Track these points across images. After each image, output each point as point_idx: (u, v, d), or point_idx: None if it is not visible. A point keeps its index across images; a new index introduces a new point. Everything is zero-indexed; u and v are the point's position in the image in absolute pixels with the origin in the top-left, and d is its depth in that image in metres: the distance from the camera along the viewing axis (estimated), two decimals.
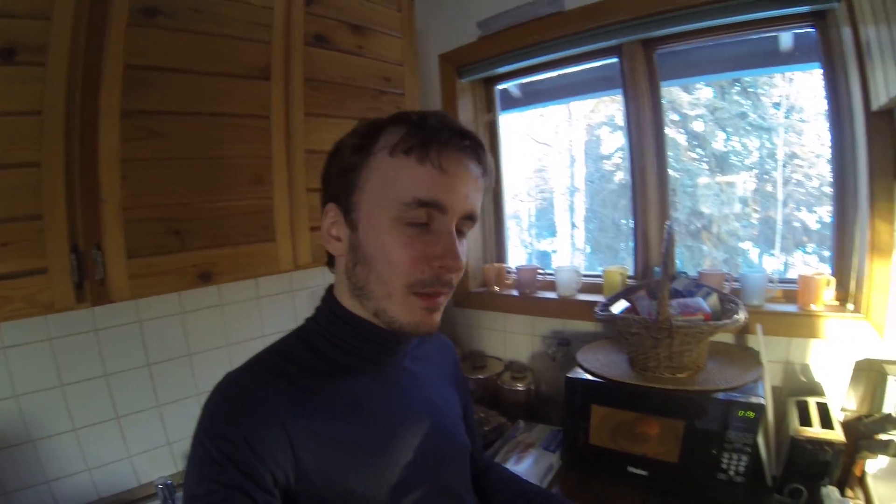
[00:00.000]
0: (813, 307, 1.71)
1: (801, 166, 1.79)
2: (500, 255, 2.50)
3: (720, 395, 1.48)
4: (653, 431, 1.58)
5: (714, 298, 1.66)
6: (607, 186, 2.15)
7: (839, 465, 1.42)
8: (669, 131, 1.86)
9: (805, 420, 1.51)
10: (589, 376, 1.65)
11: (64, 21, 1.10)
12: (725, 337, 1.84)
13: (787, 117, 1.72)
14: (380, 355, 0.97)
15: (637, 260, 2.06)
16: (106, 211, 1.18)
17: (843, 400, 1.69)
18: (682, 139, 1.93)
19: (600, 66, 2.09)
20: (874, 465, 1.53)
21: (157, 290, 1.28)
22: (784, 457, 1.50)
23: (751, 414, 1.43)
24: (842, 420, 1.61)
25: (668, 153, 1.90)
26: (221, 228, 1.36)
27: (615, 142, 2.16)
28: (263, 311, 1.93)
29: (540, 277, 2.25)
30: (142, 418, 1.65)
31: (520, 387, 2.13)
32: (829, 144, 1.74)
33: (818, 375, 1.73)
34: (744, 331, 1.79)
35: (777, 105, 1.71)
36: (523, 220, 2.35)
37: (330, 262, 1.00)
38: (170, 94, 1.28)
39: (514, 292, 2.27)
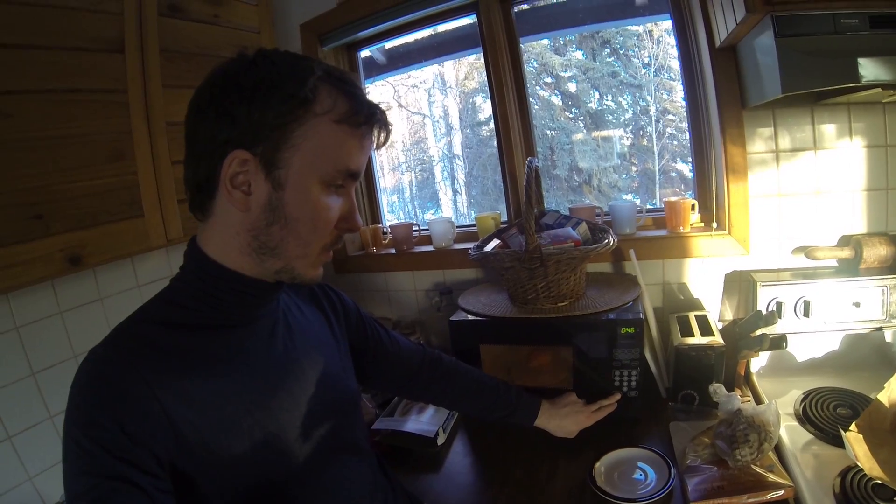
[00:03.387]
0: (681, 230, 1.69)
1: (672, 121, 1.78)
2: (376, 216, 2.37)
3: (602, 317, 1.41)
4: (545, 363, 1.50)
5: (584, 227, 1.59)
6: (486, 151, 2.08)
7: (723, 366, 1.39)
8: (543, 93, 1.79)
9: (687, 332, 1.48)
10: (472, 317, 1.55)
11: None
12: (603, 266, 1.80)
13: (656, 76, 1.70)
14: (254, 307, 0.86)
15: (508, 204, 1.99)
16: None
17: (719, 311, 1.67)
18: (556, 100, 1.87)
19: (463, 24, 2.03)
20: (756, 364, 1.53)
21: (26, 279, 1.15)
22: (672, 368, 1.45)
23: (632, 329, 1.38)
24: (720, 328, 1.58)
25: (544, 114, 1.84)
26: (86, 209, 1.24)
27: (490, 108, 2.07)
28: (146, 298, 1.69)
29: (415, 233, 2.14)
30: (36, 434, 1.40)
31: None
32: (682, 82, 1.75)
33: (695, 292, 1.71)
34: (619, 258, 1.75)
35: (646, 65, 1.70)
36: (406, 192, 2.20)
37: (199, 211, 0.82)
38: (16, 72, 1.14)
39: (392, 251, 2.14)
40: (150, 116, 1.38)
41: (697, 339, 1.41)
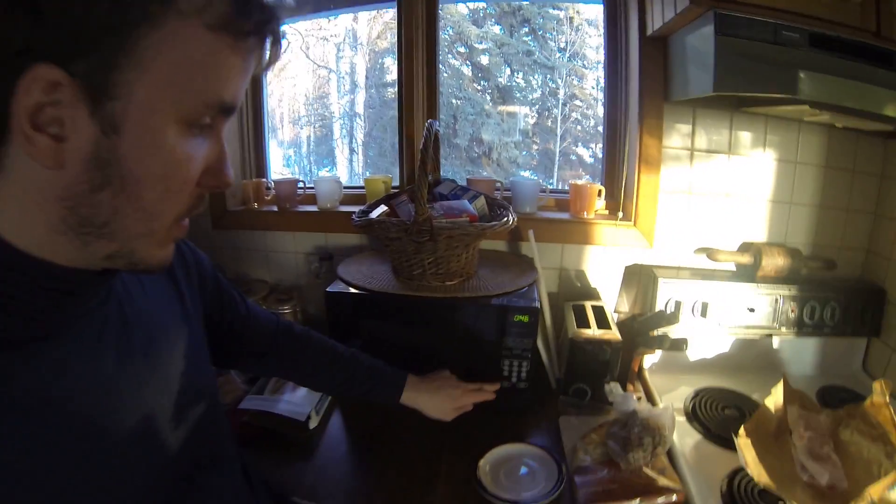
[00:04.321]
0: (585, 215, 1.58)
1: (579, 107, 1.72)
2: (261, 170, 2.11)
3: (493, 302, 1.27)
4: (428, 345, 1.36)
5: (481, 202, 1.44)
6: (388, 113, 1.94)
7: (618, 362, 1.29)
8: (455, 62, 1.68)
9: (583, 322, 1.36)
10: (352, 290, 1.36)
11: None
12: (499, 245, 1.66)
13: (570, 61, 1.63)
14: (70, 309, 0.55)
15: (402, 169, 1.80)
16: None
17: (616, 302, 1.58)
18: (467, 71, 1.74)
19: None
20: (649, 360, 1.46)
21: None
22: (565, 359, 1.34)
23: (526, 318, 1.24)
24: (617, 321, 1.49)
25: (452, 82, 1.69)
26: None
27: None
28: None
29: (301, 191, 1.93)
30: None
31: (285, 309, 1.80)
32: (604, 65, 1.65)
33: (593, 281, 1.61)
34: (516, 237, 1.61)
35: (562, 50, 1.61)
36: (303, 147, 2.03)
37: None
38: None
39: (274, 208, 1.92)
40: None
41: (594, 332, 1.30)
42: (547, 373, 1.40)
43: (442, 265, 1.30)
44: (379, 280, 1.38)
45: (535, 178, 1.67)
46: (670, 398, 1.35)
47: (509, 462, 1.14)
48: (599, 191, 1.58)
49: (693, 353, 1.49)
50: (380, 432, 1.28)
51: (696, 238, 1.55)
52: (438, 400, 1.18)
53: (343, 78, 2.07)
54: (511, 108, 1.78)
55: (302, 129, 2.11)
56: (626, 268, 1.58)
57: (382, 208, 1.47)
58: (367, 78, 1.90)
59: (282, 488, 1.06)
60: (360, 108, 2.03)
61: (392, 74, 1.92)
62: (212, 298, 0.93)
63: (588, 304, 1.46)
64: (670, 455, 1.13)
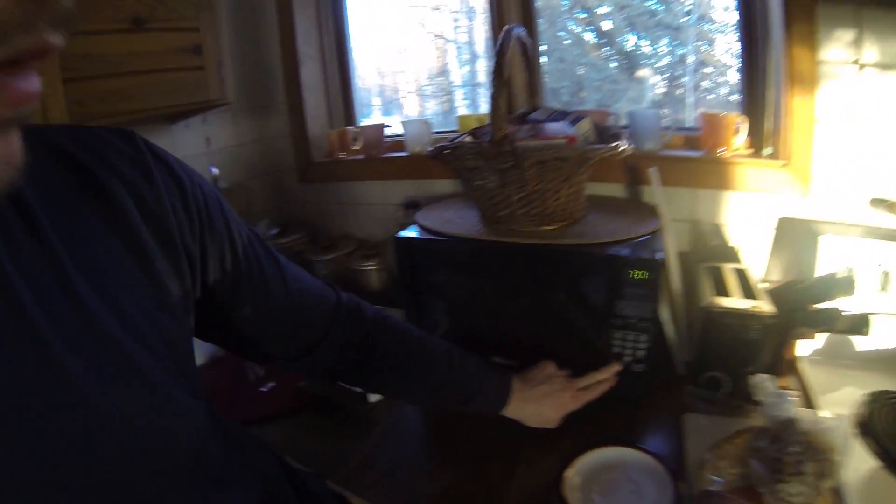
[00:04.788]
0: (721, 152, 1.20)
1: (709, 74, 1.45)
2: (350, 119, 1.94)
3: (604, 251, 0.95)
4: (517, 311, 1.06)
5: (586, 125, 1.10)
6: None
7: (768, 345, 0.94)
8: (576, 28, 1.56)
9: (721, 290, 1.01)
10: (424, 236, 1.11)
11: None
12: (613, 189, 1.31)
13: (697, 24, 1.36)
14: None
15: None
16: None
17: (765, 267, 1.20)
18: (589, 37, 1.54)
19: None
20: (808, 347, 1.07)
21: None
22: (697, 337, 1.00)
23: (645, 274, 0.90)
24: (767, 290, 1.12)
25: (575, 49, 1.59)
26: None
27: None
28: None
29: (389, 138, 1.74)
30: None
31: (371, 266, 1.63)
32: None
33: (734, 238, 1.23)
34: (635, 180, 1.27)
35: (688, 13, 1.35)
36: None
37: None
38: None
39: (361, 157, 1.75)
40: None
41: (736, 302, 0.95)
42: (672, 352, 1.06)
43: (535, 203, 0.99)
44: (460, 225, 1.09)
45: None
46: (835, 402, 0.96)
47: (607, 473, 0.84)
48: (738, 122, 1.19)
49: (865, 341, 1.06)
50: (446, 417, 1.03)
51: (868, 184, 1.12)
52: (545, 409, 0.91)
53: (461, 48, 1.94)
54: (639, 73, 1.51)
55: (427, 102, 2.01)
56: (779, 221, 1.18)
57: (465, 138, 1.17)
58: (485, 48, 1.74)
59: (320, 469, 0.88)
60: (481, 78, 1.91)
61: None
62: (217, 254, 0.60)
63: (727, 267, 1.10)
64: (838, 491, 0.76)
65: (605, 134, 1.11)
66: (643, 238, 0.98)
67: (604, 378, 0.94)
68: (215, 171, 1.65)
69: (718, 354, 0.95)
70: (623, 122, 1.37)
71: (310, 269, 1.65)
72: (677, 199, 1.22)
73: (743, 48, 1.26)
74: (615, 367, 0.95)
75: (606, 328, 0.96)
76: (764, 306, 0.93)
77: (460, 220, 1.13)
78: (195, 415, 0.50)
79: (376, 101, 2.12)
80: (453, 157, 1.02)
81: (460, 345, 0.91)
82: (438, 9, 1.90)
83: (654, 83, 1.66)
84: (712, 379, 0.95)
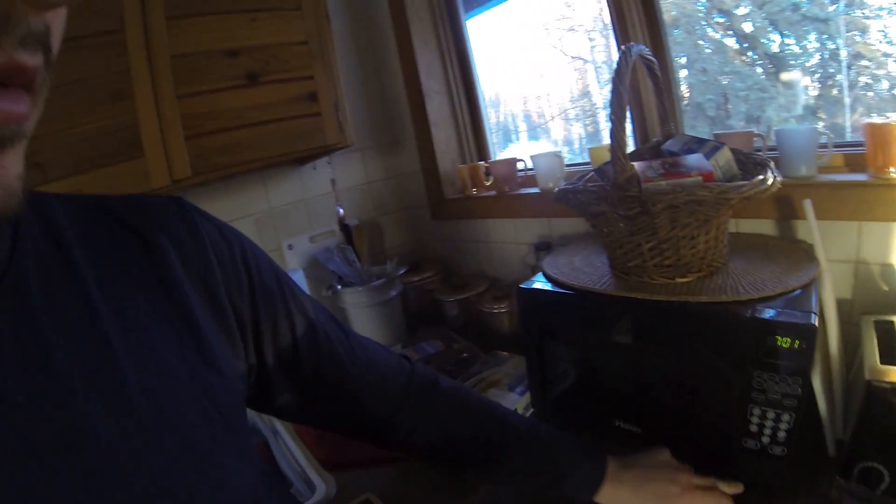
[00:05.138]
0: (893, 172, 0.98)
1: (867, 67, 1.25)
2: (483, 153, 1.88)
3: (743, 312, 0.80)
4: (652, 369, 0.94)
5: (725, 155, 0.94)
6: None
7: None
8: (715, 34, 1.44)
9: (891, 352, 0.82)
10: (545, 287, 1.03)
11: None
12: (762, 226, 1.12)
13: (845, 12, 1.25)
14: None
15: (636, 136, 1.38)
16: None
17: None
18: (730, 42, 1.46)
19: None
20: None
21: None
22: (855, 415, 0.82)
23: (794, 343, 0.75)
24: None
25: (716, 58, 1.45)
26: (83, 153, 1.17)
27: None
28: None
29: (522, 173, 1.64)
30: None
31: (502, 309, 1.55)
32: None
33: None
34: (787, 214, 1.08)
35: (835, 1, 1.16)
36: (574, 144, 1.85)
37: None
38: None
39: (494, 193, 1.68)
40: (152, 51, 1.21)
41: None
42: (823, 428, 0.89)
43: (668, 253, 0.87)
44: (588, 275, 1.00)
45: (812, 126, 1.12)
46: None
47: None
48: None
49: None
50: None
51: None
52: (642, 498, 0.77)
53: (599, 68, 1.85)
54: (787, 76, 1.33)
55: (571, 125, 1.93)
56: None
57: (594, 178, 1.08)
58: None
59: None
60: None
61: None
62: (270, 317, 0.59)
63: None
64: None
65: (749, 163, 0.96)
66: (795, 293, 0.82)
67: (727, 491, 0.80)
68: (341, 211, 1.70)
69: (880, 441, 0.77)
70: (771, 141, 1.19)
71: (440, 308, 1.65)
72: (837, 235, 1.03)
73: None
74: (737, 489, 0.81)
75: (740, 403, 0.82)
76: None
77: (589, 270, 1.03)
78: (243, 481, 0.47)
79: (522, 126, 2.05)
80: (574, 200, 0.92)
81: (583, 402, 0.89)
82: (573, 29, 1.80)
83: (805, 86, 1.48)
84: (868, 471, 0.78)
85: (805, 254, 0.95)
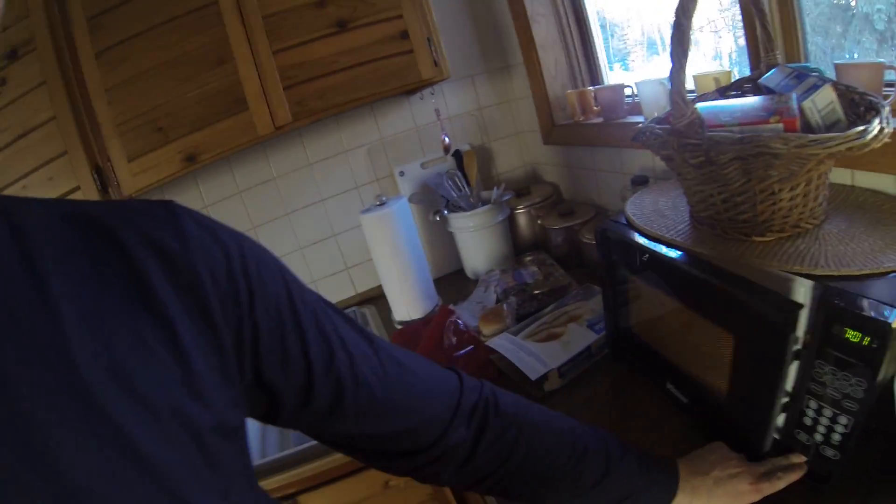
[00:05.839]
0: None
1: None
2: (595, 78, 1.75)
3: (815, 290, 0.66)
4: (703, 337, 0.84)
5: (827, 96, 0.74)
6: (815, 9, 1.30)
7: None
8: None
9: None
10: (621, 227, 0.97)
11: (36, 17, 1.26)
12: (886, 183, 0.89)
13: None
14: None
15: (751, 59, 1.14)
16: (105, 132, 1.35)
17: None
18: None
19: None
20: None
21: (155, 179, 1.40)
22: None
23: (865, 339, 0.61)
24: None
25: None
26: (197, 114, 1.38)
27: None
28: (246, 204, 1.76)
29: (630, 99, 1.51)
30: None
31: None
32: None
33: None
34: None
35: None
36: (723, 59, 1.55)
37: None
38: (123, 23, 1.32)
39: (600, 120, 1.57)
40: (245, 16, 1.35)
41: None
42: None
43: (744, 207, 0.75)
44: (664, 220, 0.92)
45: None
46: None
47: None
48: None
49: None
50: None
51: None
52: (717, 502, 0.72)
53: None
54: None
55: (720, 38, 1.64)
56: None
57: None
58: None
59: None
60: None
61: None
62: (275, 329, 0.50)
63: None
64: None
65: (864, 105, 0.76)
66: (889, 275, 0.66)
67: (789, 466, 0.71)
68: (447, 139, 1.70)
69: None
70: None
71: (546, 235, 1.64)
72: None
73: None
74: (800, 461, 0.71)
75: (795, 395, 0.69)
76: None
77: (670, 214, 0.93)
78: None
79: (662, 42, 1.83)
80: (650, 144, 0.81)
81: (645, 354, 0.87)
82: None
83: None
84: None
85: None
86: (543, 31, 1.66)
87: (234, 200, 1.68)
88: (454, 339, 1.26)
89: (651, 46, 1.67)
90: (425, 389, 0.60)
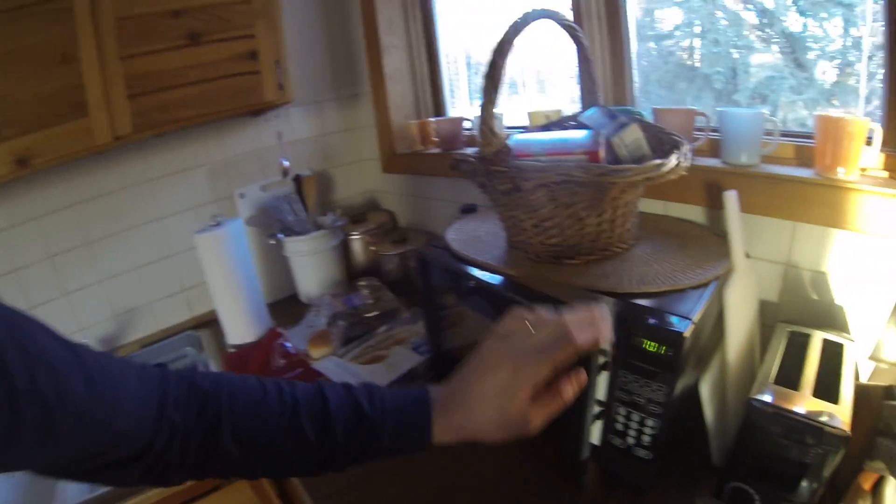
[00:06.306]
0: (839, 174, 0.86)
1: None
2: (439, 109, 1.82)
3: (612, 306, 0.72)
4: None
5: (634, 135, 0.83)
6: (664, 67, 1.54)
7: (827, 471, 0.65)
8: (735, 6, 1.34)
9: (790, 373, 0.73)
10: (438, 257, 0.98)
11: None
12: (694, 213, 1.02)
13: (875, 1, 1.11)
14: None
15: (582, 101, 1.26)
16: None
17: (875, 346, 0.85)
18: (749, 16, 1.33)
19: None
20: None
21: None
22: (736, 432, 0.73)
23: (662, 349, 0.67)
24: (863, 382, 0.80)
25: (731, 31, 1.34)
26: (33, 114, 1.24)
27: (674, 18, 1.50)
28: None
29: (468, 132, 1.59)
30: None
31: None
32: None
33: (840, 295, 0.90)
34: (717, 203, 0.96)
35: None
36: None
37: None
38: None
39: (438, 151, 1.64)
40: (98, 14, 1.24)
41: (800, 401, 0.67)
42: (709, 436, 0.81)
43: (552, 232, 0.78)
44: (481, 245, 0.95)
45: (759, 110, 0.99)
46: None
47: None
48: (870, 132, 0.84)
49: None
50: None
51: None
52: (493, 409, 0.56)
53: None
54: (803, 58, 1.22)
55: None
56: None
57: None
58: (638, 33, 1.48)
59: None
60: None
61: (665, 24, 1.53)
62: None
63: (818, 337, 0.81)
64: None
65: (668, 144, 0.85)
66: (685, 295, 0.73)
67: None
68: (286, 163, 1.67)
69: (753, 463, 0.69)
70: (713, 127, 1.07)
71: (379, 262, 1.65)
72: (770, 233, 0.92)
73: (887, 40, 0.90)
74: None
75: (610, 400, 0.74)
76: (838, 419, 0.64)
77: (489, 240, 0.97)
78: None
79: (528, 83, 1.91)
80: (465, 171, 0.84)
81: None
82: None
83: (823, 71, 1.36)
84: (738, 492, 0.70)
85: (721, 251, 0.85)
86: (394, 61, 1.70)
87: (68, 213, 1.52)
88: (282, 362, 1.27)
89: (512, 86, 1.76)
90: (131, 385, 0.52)
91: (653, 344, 0.66)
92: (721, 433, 0.80)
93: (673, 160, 0.72)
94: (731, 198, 0.82)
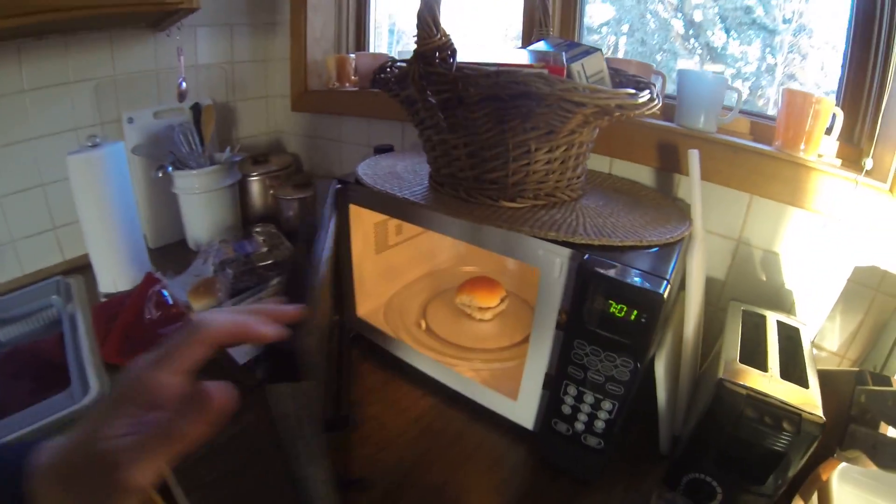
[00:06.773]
0: (800, 152, 0.81)
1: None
2: (361, 46, 1.67)
3: (573, 258, 0.60)
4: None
5: (598, 61, 0.72)
6: None
7: (795, 460, 0.58)
8: (665, 14, 1.38)
9: (754, 353, 0.65)
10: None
11: None
12: (641, 174, 0.93)
13: (794, 35, 1.19)
14: None
15: (523, 38, 1.19)
16: None
17: (821, 329, 0.83)
18: (677, 24, 1.37)
19: None
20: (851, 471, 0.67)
21: None
22: (697, 414, 0.64)
23: (633, 314, 0.55)
24: (827, 368, 0.74)
25: (659, 36, 1.37)
26: None
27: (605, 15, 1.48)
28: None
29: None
30: None
31: None
32: None
33: (791, 277, 0.84)
34: (671, 164, 0.89)
35: (788, 20, 1.19)
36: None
37: None
38: None
39: (354, 89, 1.50)
40: None
41: (775, 383, 0.59)
42: (659, 421, 0.71)
43: (495, 164, 0.65)
44: (398, 181, 0.80)
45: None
46: None
47: None
48: (833, 113, 0.80)
49: None
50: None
51: None
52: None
53: None
54: (717, 68, 1.27)
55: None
56: (858, 270, 0.80)
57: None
58: None
59: None
60: None
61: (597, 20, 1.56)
62: None
63: (771, 318, 0.74)
64: None
65: (629, 83, 0.74)
66: (652, 250, 0.62)
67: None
68: (184, 84, 1.45)
69: (719, 452, 0.60)
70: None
71: (278, 208, 1.51)
72: (723, 205, 0.85)
73: (852, 29, 0.85)
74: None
75: (558, 376, 0.62)
76: (812, 403, 0.57)
77: (407, 176, 0.81)
78: None
79: None
80: (389, 86, 0.68)
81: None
82: None
83: (737, 87, 1.41)
84: (697, 484, 0.61)
85: (679, 213, 0.76)
86: None
87: None
88: (157, 313, 1.07)
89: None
90: None
91: (621, 307, 0.55)
92: (671, 418, 0.71)
93: (647, 94, 0.60)
94: (694, 156, 0.73)
